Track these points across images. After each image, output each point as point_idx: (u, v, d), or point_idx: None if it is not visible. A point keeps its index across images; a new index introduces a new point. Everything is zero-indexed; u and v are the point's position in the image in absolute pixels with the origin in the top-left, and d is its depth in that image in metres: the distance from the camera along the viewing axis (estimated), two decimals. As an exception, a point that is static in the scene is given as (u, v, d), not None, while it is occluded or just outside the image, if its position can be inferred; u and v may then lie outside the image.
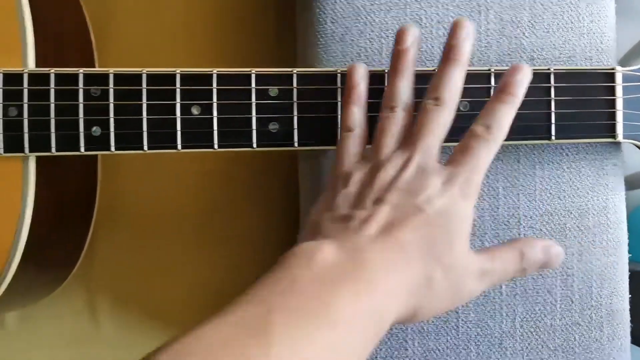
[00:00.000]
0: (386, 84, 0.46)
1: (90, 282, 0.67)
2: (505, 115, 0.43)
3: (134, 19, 0.68)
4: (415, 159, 0.42)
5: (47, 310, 0.67)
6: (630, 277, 0.55)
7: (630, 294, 0.54)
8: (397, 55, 0.45)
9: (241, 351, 0.32)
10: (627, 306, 0.54)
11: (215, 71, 0.48)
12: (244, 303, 0.35)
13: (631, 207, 0.61)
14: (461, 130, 0.48)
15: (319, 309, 0.36)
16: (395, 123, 0.44)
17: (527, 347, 0.52)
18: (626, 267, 0.54)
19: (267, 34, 0.68)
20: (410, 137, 0.44)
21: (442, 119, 0.43)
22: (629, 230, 0.55)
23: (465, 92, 0.48)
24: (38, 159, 0.49)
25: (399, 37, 0.45)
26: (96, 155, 0.59)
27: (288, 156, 0.66)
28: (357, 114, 0.45)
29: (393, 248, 0.39)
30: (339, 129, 0.46)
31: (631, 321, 0.54)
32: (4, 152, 0.48)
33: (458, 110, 0.48)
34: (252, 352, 0.32)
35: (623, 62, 0.67)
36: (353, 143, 0.45)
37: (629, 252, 0.54)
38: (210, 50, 0.67)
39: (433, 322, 0.52)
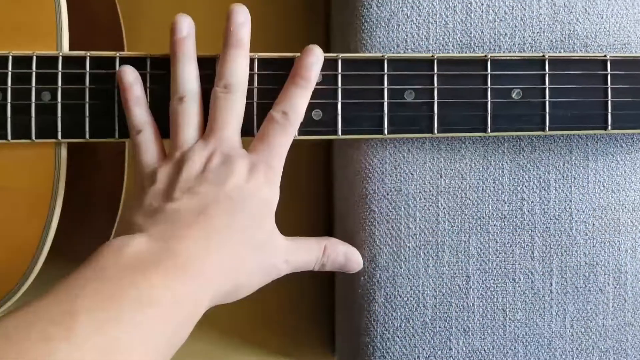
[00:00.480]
0: (171, 73, 0.46)
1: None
2: (300, 98, 0.45)
3: (162, 3, 0.67)
4: (219, 150, 0.44)
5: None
6: (683, 276, 0.52)
7: (683, 293, 0.52)
8: (174, 44, 0.45)
9: (42, 335, 0.33)
10: (681, 306, 0.52)
11: (257, 55, 0.46)
12: (51, 293, 0.36)
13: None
14: (515, 118, 0.46)
15: (126, 292, 0.37)
16: (188, 114, 0.45)
17: (577, 349, 0.50)
18: (680, 266, 0.52)
19: (294, 17, 0.66)
20: (209, 127, 0.44)
21: (235, 106, 0.44)
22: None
23: (519, 79, 0.46)
24: (69, 145, 0.48)
25: (174, 27, 0.45)
26: (124, 146, 0.58)
27: (320, 144, 0.64)
28: (140, 114, 0.45)
29: (205, 234, 0.41)
30: (130, 131, 0.46)
31: (683, 322, 0.52)
32: (36, 137, 0.47)
33: (510, 97, 0.46)
34: (53, 333, 0.33)
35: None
36: (148, 142, 0.45)
37: (683, 250, 0.52)
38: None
39: (479, 320, 0.50)
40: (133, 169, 0.46)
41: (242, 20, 0.45)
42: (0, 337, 0.33)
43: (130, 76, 0.45)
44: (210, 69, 0.46)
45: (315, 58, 0.45)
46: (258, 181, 0.43)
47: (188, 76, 0.45)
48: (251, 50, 0.46)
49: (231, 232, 0.42)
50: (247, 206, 0.43)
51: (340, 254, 0.48)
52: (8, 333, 0.33)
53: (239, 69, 0.45)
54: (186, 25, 0.45)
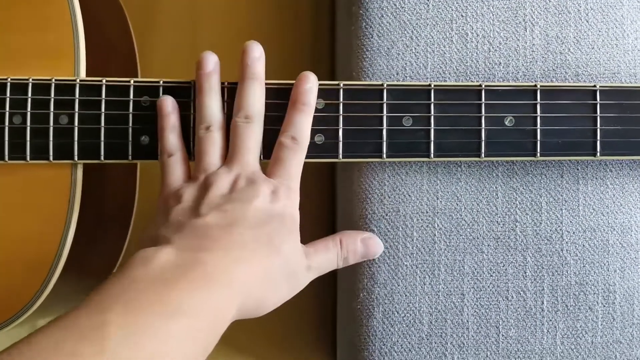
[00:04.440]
0: (197, 104, 0.48)
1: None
2: (304, 122, 0.47)
3: (174, 29, 0.69)
4: (243, 174, 0.46)
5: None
6: (671, 295, 0.54)
7: (671, 312, 0.54)
8: (201, 77, 0.48)
9: (72, 350, 0.34)
10: (668, 324, 0.54)
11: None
12: (82, 306, 0.37)
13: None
14: (508, 145, 0.48)
15: (156, 303, 0.37)
16: (213, 143, 0.47)
17: (567, 364, 0.52)
18: (668, 285, 0.54)
19: (302, 44, 0.69)
20: (232, 154, 0.47)
21: (254, 134, 0.47)
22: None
23: (512, 107, 0.48)
24: (84, 166, 0.50)
25: (200, 63, 0.48)
26: (136, 164, 0.60)
27: (323, 167, 0.66)
28: (173, 140, 0.48)
29: (232, 246, 0.42)
30: (160, 155, 0.48)
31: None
32: (53, 159, 0.49)
33: (504, 125, 0.48)
34: (85, 350, 0.34)
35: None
36: (176, 165, 0.48)
37: (671, 270, 0.54)
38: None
39: (473, 336, 0.52)
40: (158, 189, 0.48)
41: (258, 55, 0.48)
42: (33, 355, 0.34)
43: (170, 106, 0.48)
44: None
45: (311, 84, 0.48)
46: (281, 202, 0.46)
47: (213, 108, 0.48)
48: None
49: (258, 246, 0.43)
50: (272, 222, 0.45)
51: (357, 243, 0.49)
52: (40, 350, 0.34)
53: (256, 100, 0.48)
54: (212, 62, 0.48)
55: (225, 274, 0.41)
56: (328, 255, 0.48)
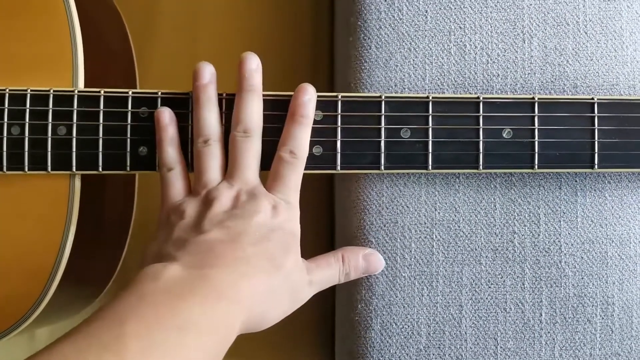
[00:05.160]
0: (194, 116, 0.48)
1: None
2: (303, 135, 0.47)
3: (173, 37, 0.69)
4: (244, 190, 0.46)
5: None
6: (670, 307, 0.54)
7: (670, 324, 0.54)
8: (197, 89, 0.48)
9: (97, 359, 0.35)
10: (667, 337, 0.54)
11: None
12: (98, 318, 0.38)
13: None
14: (505, 157, 0.48)
15: (168, 316, 0.38)
16: (212, 157, 0.47)
17: (565, 376, 0.52)
18: (666, 297, 0.54)
19: (302, 55, 0.69)
20: (232, 168, 0.47)
21: (253, 148, 0.47)
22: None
23: (510, 120, 0.48)
24: (82, 176, 0.50)
25: (197, 74, 0.48)
26: (134, 177, 0.60)
27: (322, 178, 0.66)
28: (172, 153, 0.48)
29: (236, 262, 0.43)
30: (159, 168, 0.48)
31: (670, 352, 0.54)
32: (52, 169, 0.49)
33: (502, 137, 0.48)
34: (107, 358, 0.35)
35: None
36: (177, 179, 0.48)
37: (670, 282, 0.54)
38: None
39: (471, 348, 0.52)
40: (159, 202, 0.49)
41: (255, 66, 0.48)
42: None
43: (167, 118, 0.48)
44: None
45: (309, 95, 0.47)
46: (282, 217, 0.46)
47: (211, 120, 0.48)
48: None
49: (260, 262, 0.44)
50: (274, 237, 0.45)
51: (359, 259, 0.50)
52: (66, 356, 0.35)
53: (254, 113, 0.47)
54: (208, 73, 0.48)
55: (232, 290, 0.42)
56: (330, 271, 0.48)
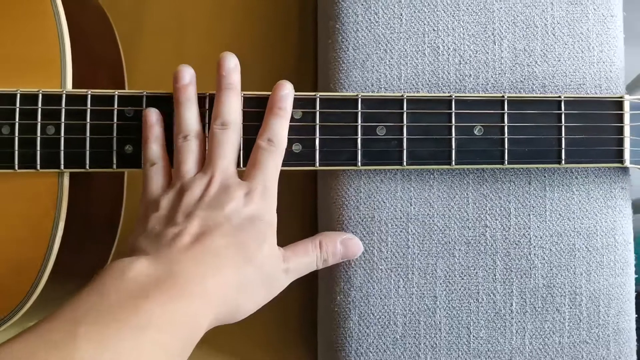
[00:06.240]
0: (175, 115, 0.50)
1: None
2: (281, 126, 0.49)
3: (161, 39, 0.71)
4: (217, 178, 0.47)
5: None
6: (636, 297, 0.56)
7: (636, 313, 0.56)
8: (178, 90, 0.50)
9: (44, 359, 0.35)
10: (634, 325, 0.56)
11: (242, 94, 0.51)
12: (54, 317, 0.38)
13: (638, 230, 0.63)
14: (477, 153, 0.50)
15: (127, 315, 0.38)
16: (191, 151, 0.49)
17: (536, 363, 0.54)
18: (633, 288, 0.56)
19: (288, 58, 0.70)
20: (208, 160, 0.49)
21: (230, 140, 0.49)
22: (636, 252, 0.56)
23: (481, 117, 0.50)
24: (70, 174, 0.52)
25: (177, 76, 0.50)
26: (122, 174, 0.62)
27: (306, 174, 0.68)
28: (156, 150, 0.50)
29: (206, 256, 0.43)
30: (143, 164, 0.50)
31: (637, 340, 0.56)
32: (40, 167, 0.51)
33: (473, 134, 0.50)
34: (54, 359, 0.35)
35: (629, 88, 0.69)
36: (157, 174, 0.49)
37: (636, 273, 0.56)
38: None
39: (445, 337, 0.54)
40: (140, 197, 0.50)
41: (233, 65, 0.50)
42: None
43: (154, 117, 0.50)
44: (202, 107, 0.51)
45: (287, 90, 0.50)
46: (255, 204, 0.47)
47: (191, 118, 0.50)
48: (245, 88, 0.51)
49: (231, 253, 0.44)
50: (245, 227, 0.46)
51: (337, 244, 0.51)
52: (14, 355, 0.35)
53: (232, 108, 0.49)
54: (188, 74, 0.50)
55: (199, 285, 0.42)
56: (307, 259, 0.49)
